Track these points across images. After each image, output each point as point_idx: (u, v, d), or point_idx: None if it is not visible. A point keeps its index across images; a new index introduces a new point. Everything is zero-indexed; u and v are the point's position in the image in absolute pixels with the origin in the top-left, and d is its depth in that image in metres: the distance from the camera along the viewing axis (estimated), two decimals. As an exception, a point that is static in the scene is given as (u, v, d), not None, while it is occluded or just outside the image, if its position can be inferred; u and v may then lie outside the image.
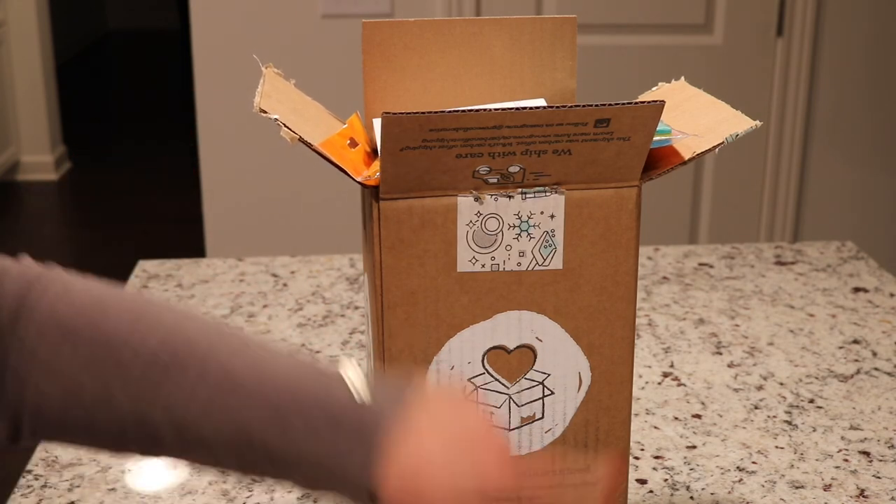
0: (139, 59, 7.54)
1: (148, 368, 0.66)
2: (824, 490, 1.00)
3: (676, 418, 1.12)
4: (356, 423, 0.66)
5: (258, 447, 0.66)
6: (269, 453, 0.66)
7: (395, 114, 0.74)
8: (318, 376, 0.68)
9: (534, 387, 0.86)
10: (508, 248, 0.82)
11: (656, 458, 1.05)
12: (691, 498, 0.99)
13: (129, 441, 0.68)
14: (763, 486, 1.01)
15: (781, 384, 1.19)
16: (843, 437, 1.09)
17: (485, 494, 0.67)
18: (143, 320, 0.68)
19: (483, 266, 0.82)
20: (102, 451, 0.71)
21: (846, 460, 1.05)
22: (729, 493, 1.00)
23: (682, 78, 0.94)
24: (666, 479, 1.02)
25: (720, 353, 1.26)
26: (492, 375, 0.85)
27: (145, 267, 1.51)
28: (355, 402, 0.66)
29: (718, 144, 0.82)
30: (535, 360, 0.85)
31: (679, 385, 1.19)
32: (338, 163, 0.80)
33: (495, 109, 0.75)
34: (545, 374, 0.85)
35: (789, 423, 1.11)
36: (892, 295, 1.43)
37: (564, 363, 0.85)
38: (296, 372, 0.67)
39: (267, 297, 1.42)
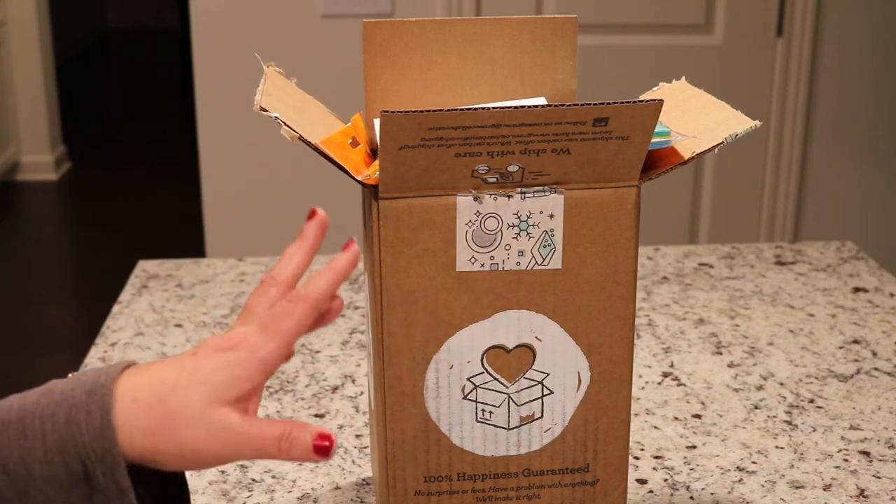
0: (139, 59, 7.54)
1: None
2: (824, 490, 1.00)
3: (676, 418, 1.12)
4: (84, 390, 0.65)
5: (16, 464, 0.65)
6: (25, 462, 0.65)
7: (393, 112, 0.74)
8: (61, 389, 0.67)
9: (533, 386, 0.86)
10: (507, 247, 0.82)
11: (656, 458, 1.05)
12: (691, 498, 0.99)
13: None
14: (763, 486, 1.01)
15: (781, 384, 1.19)
16: (843, 437, 1.09)
17: (238, 393, 0.67)
18: None
19: (482, 265, 0.82)
20: None
21: (846, 460, 1.05)
22: (729, 493, 1.00)
23: (683, 78, 0.94)
24: (666, 479, 1.02)
25: (720, 353, 1.26)
26: (491, 375, 0.85)
27: (145, 267, 1.51)
28: (81, 381, 0.66)
29: (718, 144, 0.82)
30: (534, 360, 0.85)
31: (679, 385, 1.19)
32: (338, 161, 0.80)
33: (494, 108, 0.75)
34: (544, 373, 0.85)
35: (789, 423, 1.11)
36: (892, 295, 1.43)
37: (563, 363, 0.85)
38: (40, 393, 0.67)
39: (267, 296, 1.41)
